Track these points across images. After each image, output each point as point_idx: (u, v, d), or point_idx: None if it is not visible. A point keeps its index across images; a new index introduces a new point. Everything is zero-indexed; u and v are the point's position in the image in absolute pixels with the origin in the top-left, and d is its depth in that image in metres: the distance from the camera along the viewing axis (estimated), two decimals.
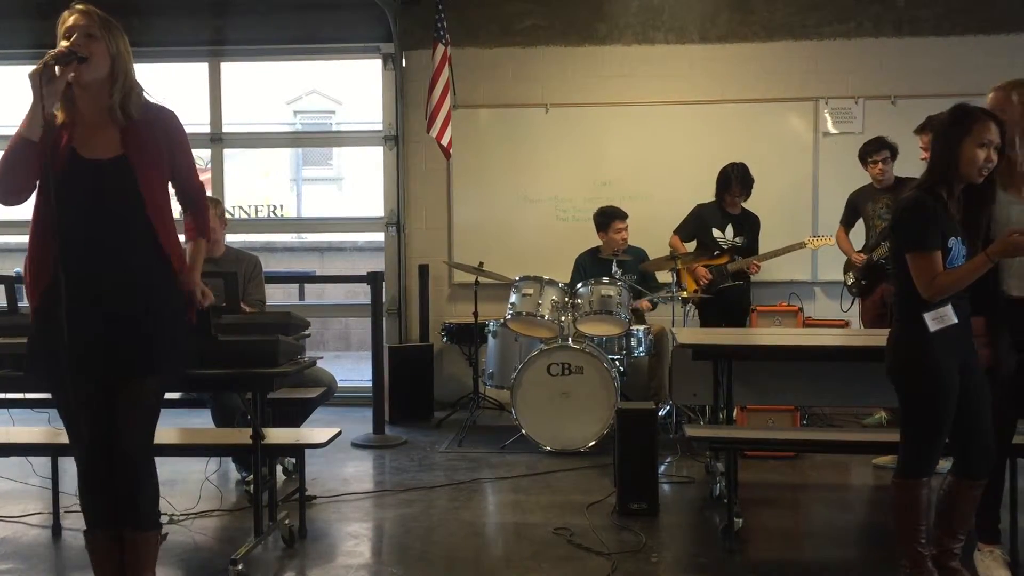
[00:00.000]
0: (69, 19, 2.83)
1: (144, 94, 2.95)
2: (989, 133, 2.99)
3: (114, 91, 2.84)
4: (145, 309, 2.84)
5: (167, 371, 2.93)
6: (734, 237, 6.05)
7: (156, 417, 2.94)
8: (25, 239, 2.88)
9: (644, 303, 6.16)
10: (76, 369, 2.75)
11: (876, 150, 5.44)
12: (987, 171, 3.02)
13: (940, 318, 3.00)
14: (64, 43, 2.77)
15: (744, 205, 6.13)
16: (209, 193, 5.54)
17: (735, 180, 5.95)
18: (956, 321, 3.03)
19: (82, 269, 2.77)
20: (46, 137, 2.76)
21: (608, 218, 6.18)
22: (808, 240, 6.08)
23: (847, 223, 5.75)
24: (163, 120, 2.98)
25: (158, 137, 2.92)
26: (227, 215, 5.09)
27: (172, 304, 2.94)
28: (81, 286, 2.75)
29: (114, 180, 2.82)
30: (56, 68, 2.72)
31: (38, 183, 2.82)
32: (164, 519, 2.94)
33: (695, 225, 6.15)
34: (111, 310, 2.81)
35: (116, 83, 2.84)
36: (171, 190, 3.04)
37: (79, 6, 2.85)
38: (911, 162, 5.29)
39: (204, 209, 3.15)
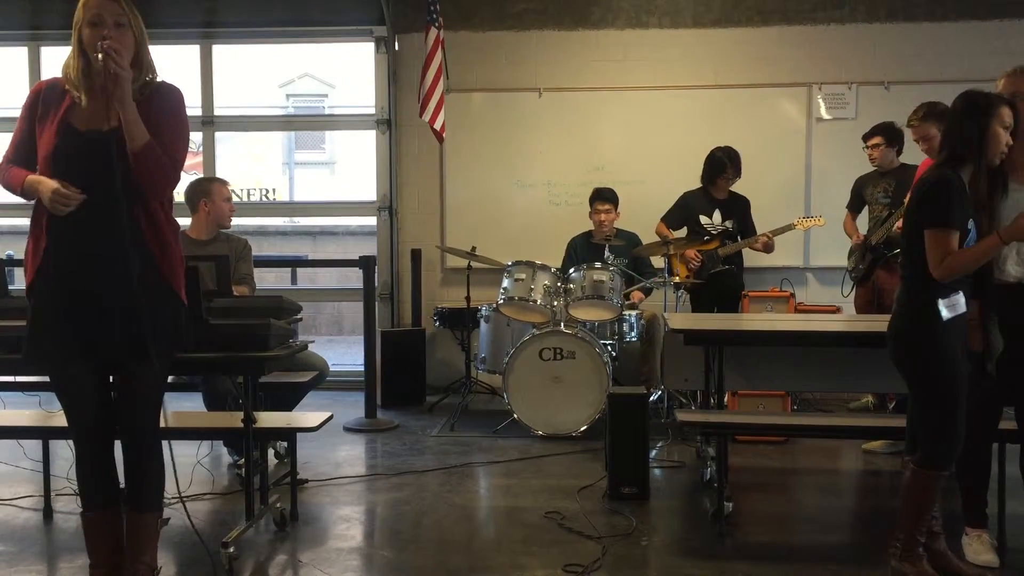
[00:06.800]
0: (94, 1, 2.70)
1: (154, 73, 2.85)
2: (1008, 117, 3.03)
3: (136, 74, 2.75)
4: (129, 291, 2.72)
5: (165, 352, 2.85)
6: (723, 221, 6.04)
7: (161, 398, 2.90)
8: (16, 221, 2.86)
9: (637, 295, 6.16)
10: (72, 352, 2.74)
11: (869, 135, 5.46)
12: (1004, 154, 3.04)
13: (953, 306, 3.00)
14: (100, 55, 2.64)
15: (735, 189, 6.12)
16: (201, 175, 5.55)
17: (729, 163, 5.93)
18: (966, 310, 3.03)
19: (76, 249, 2.74)
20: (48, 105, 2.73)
21: (593, 197, 6.20)
22: (798, 221, 6.04)
23: (853, 208, 5.69)
24: (160, 94, 2.84)
25: (149, 112, 2.77)
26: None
27: (150, 285, 2.78)
28: (76, 265, 2.74)
29: (106, 152, 2.69)
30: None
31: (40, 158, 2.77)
32: None
33: (682, 213, 6.13)
34: (102, 291, 2.74)
35: (136, 65, 2.75)
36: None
37: None
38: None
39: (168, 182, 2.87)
